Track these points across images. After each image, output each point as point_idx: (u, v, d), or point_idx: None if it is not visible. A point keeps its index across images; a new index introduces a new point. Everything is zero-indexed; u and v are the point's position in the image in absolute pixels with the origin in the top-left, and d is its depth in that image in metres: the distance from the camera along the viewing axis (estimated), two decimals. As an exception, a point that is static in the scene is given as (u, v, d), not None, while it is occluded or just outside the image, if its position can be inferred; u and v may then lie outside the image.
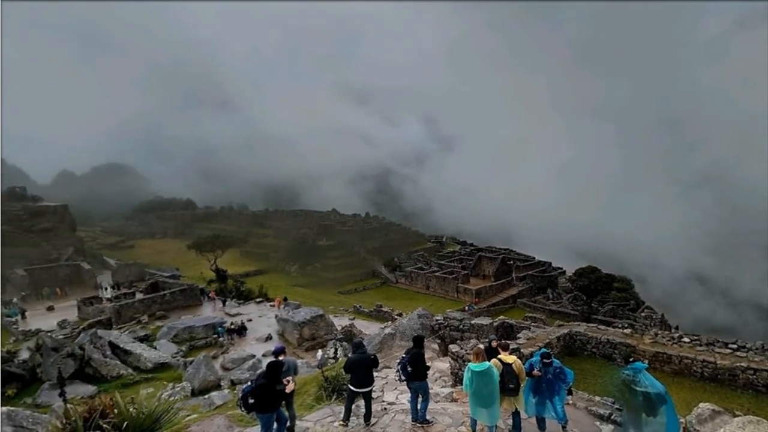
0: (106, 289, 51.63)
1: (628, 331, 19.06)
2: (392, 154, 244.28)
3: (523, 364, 8.92)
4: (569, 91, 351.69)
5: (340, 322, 35.99)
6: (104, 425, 7.49)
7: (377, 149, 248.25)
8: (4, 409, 17.16)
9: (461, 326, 22.46)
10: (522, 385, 8.57)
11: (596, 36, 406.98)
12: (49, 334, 30.74)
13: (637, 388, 7.82)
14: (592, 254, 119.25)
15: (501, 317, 25.77)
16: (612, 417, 9.99)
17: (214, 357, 26.99)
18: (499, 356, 8.65)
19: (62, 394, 19.50)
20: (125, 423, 7.63)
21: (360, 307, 51.66)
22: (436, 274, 75.31)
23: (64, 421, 7.70)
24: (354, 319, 39.90)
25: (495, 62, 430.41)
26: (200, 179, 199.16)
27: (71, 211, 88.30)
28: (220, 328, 32.02)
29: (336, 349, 24.39)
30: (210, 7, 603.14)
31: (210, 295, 46.05)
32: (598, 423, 9.95)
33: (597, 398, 11.27)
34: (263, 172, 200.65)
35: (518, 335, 18.74)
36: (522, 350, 14.84)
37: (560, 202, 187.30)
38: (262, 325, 34.36)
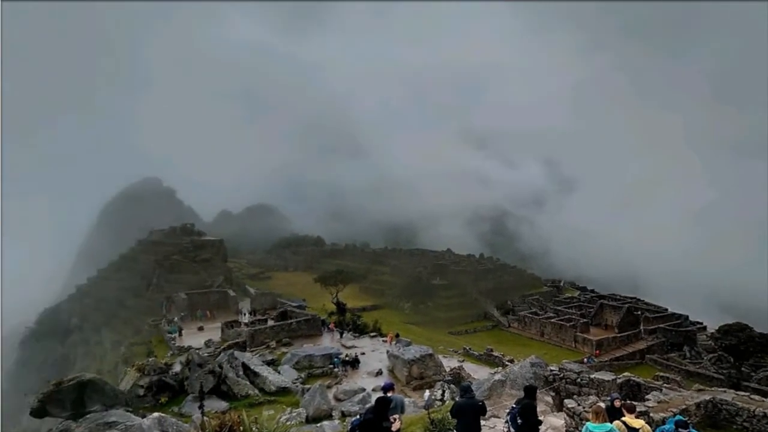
0: (244, 314, 56.28)
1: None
2: (510, 195, 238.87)
3: (653, 430, 7.47)
4: (707, 128, 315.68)
5: (449, 363, 34.60)
6: (231, 440, 7.86)
7: (495, 191, 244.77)
8: (156, 414, 18.96)
9: (579, 380, 20.10)
10: None
11: (738, 68, 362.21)
12: (197, 351, 33.97)
13: None
14: (740, 309, 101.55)
15: (626, 374, 22.49)
16: None
17: (329, 387, 27.41)
18: (623, 418, 7.42)
19: (201, 407, 21.06)
20: (249, 440, 7.92)
21: (470, 349, 49.37)
22: (552, 320, 69.55)
23: (200, 432, 8.20)
24: (463, 361, 38.10)
25: (621, 102, 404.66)
26: (330, 218, 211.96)
27: (225, 245, 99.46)
28: (336, 359, 32.66)
29: (443, 391, 23.21)
30: (348, 67, 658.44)
31: (330, 326, 47.58)
32: None
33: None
34: (386, 212, 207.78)
35: (647, 396, 16.13)
36: (651, 414, 12.62)
37: (699, 247, 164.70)
38: (373, 360, 34.35)
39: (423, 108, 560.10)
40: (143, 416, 18.45)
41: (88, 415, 20.42)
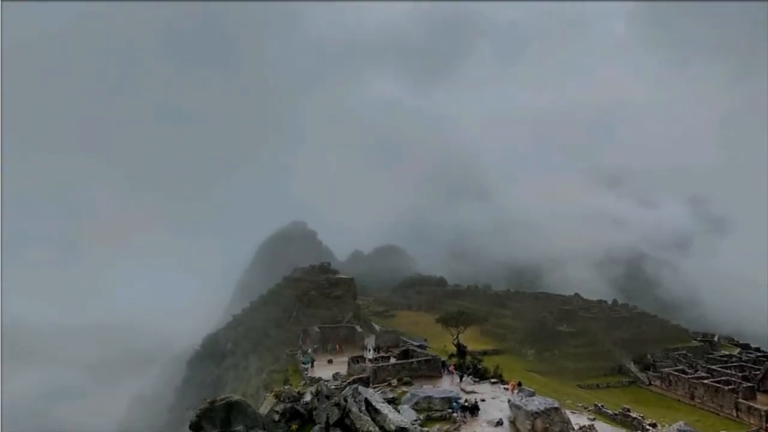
0: (369, 350, 57.31)
1: None
2: (647, 237, 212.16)
3: None
4: None
5: (577, 420, 30.72)
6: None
7: (629, 232, 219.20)
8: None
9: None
10: None
11: None
12: (326, 383, 35.26)
13: None
14: None
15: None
16: None
17: (447, 432, 26.17)
18: None
19: (325, 439, 21.75)
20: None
21: (602, 406, 43.40)
22: (705, 381, 58.25)
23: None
24: (594, 419, 33.49)
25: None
26: (453, 259, 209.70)
27: (356, 283, 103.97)
28: (455, 404, 31.18)
29: (570, 452, 20.60)
30: (475, 115, 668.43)
31: (450, 368, 45.90)
32: None
33: None
34: (509, 253, 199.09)
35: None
36: None
37: None
38: (493, 408, 32.04)
39: (549, 150, 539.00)
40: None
41: (232, 434, 22.37)
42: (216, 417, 23.79)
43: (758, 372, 60.44)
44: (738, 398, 52.27)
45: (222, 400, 25.43)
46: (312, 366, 51.13)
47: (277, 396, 29.25)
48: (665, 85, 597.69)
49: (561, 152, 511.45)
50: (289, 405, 28.13)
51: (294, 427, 26.55)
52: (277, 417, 26.98)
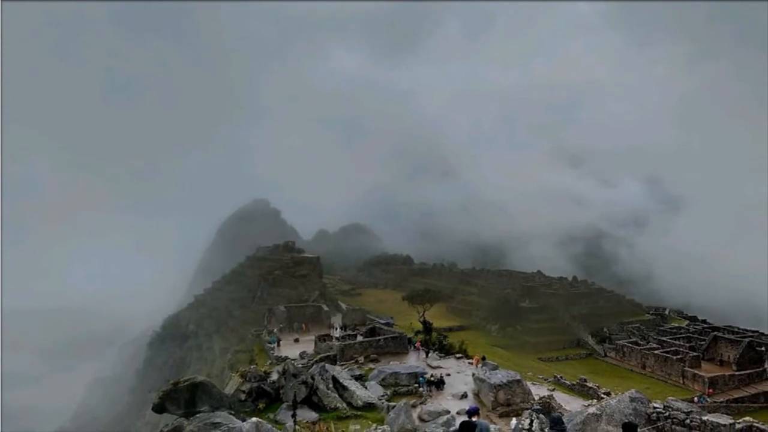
0: (336, 329, 57.78)
1: None
2: (606, 215, 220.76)
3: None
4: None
5: (538, 390, 32.31)
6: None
7: (589, 211, 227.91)
8: (254, 419, 19.99)
9: (688, 421, 17.74)
10: None
11: None
12: (292, 362, 35.37)
13: None
14: None
15: (747, 418, 19.30)
16: None
17: (414, 406, 26.89)
18: None
19: (294, 416, 21.84)
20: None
21: (561, 378, 45.79)
22: (656, 351, 62.41)
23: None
24: (554, 390, 35.31)
25: (737, 113, 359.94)
26: (419, 238, 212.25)
27: (321, 262, 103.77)
28: (421, 378, 32.08)
29: (531, 421, 21.52)
30: (440, 91, 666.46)
31: (416, 345, 47.01)
32: None
33: None
34: (474, 232, 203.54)
35: (774, 450, 13.65)
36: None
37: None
38: (459, 382, 33.21)
39: (514, 128, 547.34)
40: (243, 419, 19.53)
41: (197, 415, 22.09)
42: (180, 398, 23.37)
43: (703, 342, 65.14)
44: (684, 367, 56.35)
45: (186, 381, 24.95)
46: (278, 345, 51.18)
47: (243, 376, 29.02)
48: (628, 65, 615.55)
49: (526, 130, 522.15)
50: (255, 384, 27.97)
51: (261, 405, 26.50)
52: (243, 396, 26.84)
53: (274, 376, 31.16)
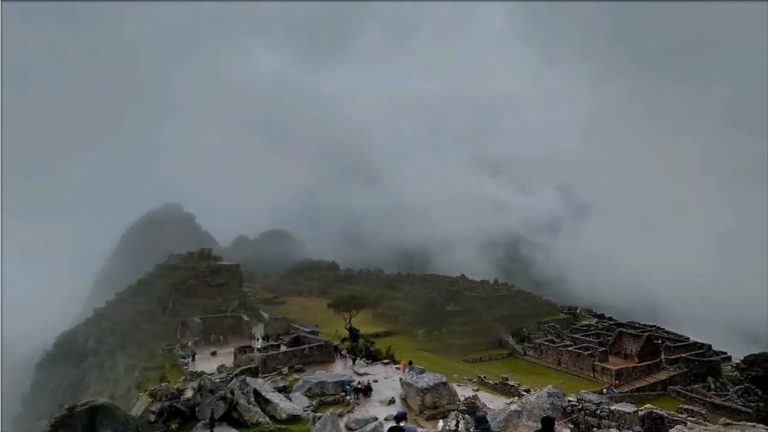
0: (258, 339, 55.86)
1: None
2: (524, 221, 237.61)
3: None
4: (723, 154, 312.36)
5: (463, 392, 33.55)
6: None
7: (509, 217, 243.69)
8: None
9: (598, 411, 19.34)
10: None
11: (752, 93, 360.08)
12: (209, 376, 33.57)
13: None
14: (764, 338, 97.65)
15: (648, 406, 21.51)
16: None
17: (341, 415, 26.73)
18: None
19: (211, 434, 20.76)
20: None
21: (485, 378, 48.02)
22: (569, 348, 67.64)
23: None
24: (478, 390, 36.93)
25: (636, 129, 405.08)
26: (345, 244, 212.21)
27: (241, 270, 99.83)
28: (348, 387, 31.93)
29: (458, 422, 22.35)
30: (365, 96, 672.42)
31: (343, 352, 46.79)
32: None
33: None
34: (399, 237, 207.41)
35: (670, 430, 15.35)
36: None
37: (719, 274, 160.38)
38: (386, 387, 33.52)
39: (437, 136, 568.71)
40: (152, 443, 18.17)
41: (98, 441, 20.22)
42: (77, 424, 21.26)
43: (610, 338, 71.74)
44: (594, 361, 61.67)
45: (83, 405, 22.75)
46: (193, 360, 48.38)
47: (152, 395, 26.98)
48: (539, 79, 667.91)
49: (449, 138, 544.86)
50: (167, 403, 26.12)
51: (174, 426, 24.80)
52: (153, 417, 24.93)
53: (189, 393, 29.41)
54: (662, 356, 64.49)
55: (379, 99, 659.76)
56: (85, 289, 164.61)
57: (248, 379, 30.44)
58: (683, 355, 64.34)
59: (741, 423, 17.82)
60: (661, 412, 19.67)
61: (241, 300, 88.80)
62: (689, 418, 20.61)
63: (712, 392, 53.13)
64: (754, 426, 16.25)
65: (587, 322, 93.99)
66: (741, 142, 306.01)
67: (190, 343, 56.48)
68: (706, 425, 18.15)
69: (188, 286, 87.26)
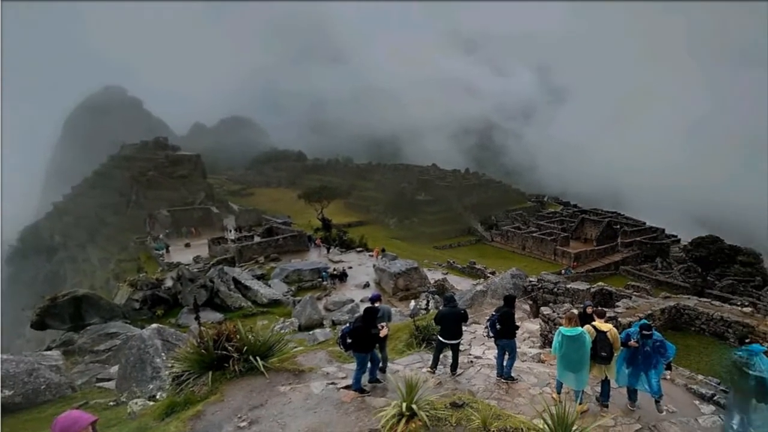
0: (230, 231, 57.33)
1: (748, 309, 17.09)
2: (497, 106, 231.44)
3: (620, 333, 8.56)
4: (712, 33, 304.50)
5: (433, 275, 36.64)
6: (229, 347, 8.86)
7: (482, 101, 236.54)
8: (155, 325, 20.28)
9: (555, 289, 21.83)
10: (615, 354, 8.27)
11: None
12: (186, 267, 35.18)
13: (751, 372, 7.30)
14: (715, 222, 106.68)
15: (599, 283, 24.42)
16: (715, 398, 9.30)
17: (319, 298, 29.16)
18: (593, 323, 8.38)
19: (197, 318, 22.32)
20: (245, 347, 8.92)
21: (454, 262, 51.92)
22: (534, 234, 72.70)
23: (199, 340, 9.14)
24: (447, 273, 40.34)
25: (622, 4, 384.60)
26: (310, 132, 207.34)
27: (203, 160, 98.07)
28: (324, 273, 34.31)
29: (428, 301, 25.04)
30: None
31: (316, 242, 49.12)
32: (697, 402, 9.33)
33: (700, 377, 10.49)
34: (368, 125, 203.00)
35: (617, 304, 17.77)
36: (620, 319, 14.15)
37: (687, 162, 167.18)
38: (361, 273, 36.18)
39: (407, 7, 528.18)
40: (142, 327, 19.78)
41: (88, 327, 21.81)
42: (63, 313, 22.66)
43: (573, 224, 77.06)
44: (556, 246, 66.99)
45: (65, 295, 24.02)
46: (167, 251, 49.81)
47: (132, 284, 28.50)
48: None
49: (420, 9, 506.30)
50: (149, 292, 27.77)
51: (159, 312, 26.70)
52: (137, 305, 26.68)
53: (169, 283, 31.04)
54: (618, 240, 70.48)
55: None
56: (36, 181, 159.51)
57: (226, 269, 32.17)
58: (638, 238, 70.42)
59: (678, 296, 20.82)
60: (610, 289, 22.47)
61: (207, 192, 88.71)
62: (634, 293, 23.78)
63: (658, 271, 59.47)
64: (689, 298, 19.11)
65: (553, 210, 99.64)
66: (733, 18, 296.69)
67: (161, 236, 57.55)
68: (647, 298, 21.10)
69: (149, 177, 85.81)
